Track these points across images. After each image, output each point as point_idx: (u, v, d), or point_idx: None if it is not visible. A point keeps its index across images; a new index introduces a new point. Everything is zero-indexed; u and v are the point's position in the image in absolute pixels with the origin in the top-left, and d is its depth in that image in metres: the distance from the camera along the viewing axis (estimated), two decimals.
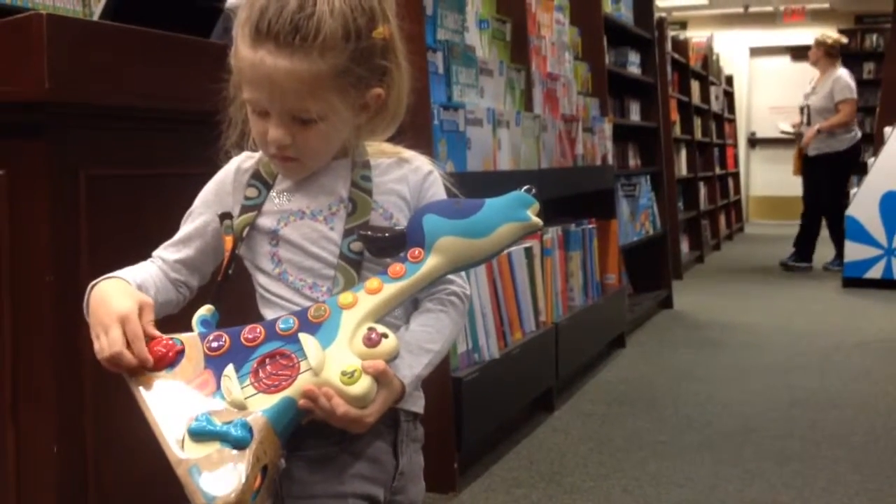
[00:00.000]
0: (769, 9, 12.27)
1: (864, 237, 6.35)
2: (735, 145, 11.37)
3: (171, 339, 1.09)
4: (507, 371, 2.82)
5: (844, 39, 7.55)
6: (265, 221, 1.18)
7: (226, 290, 1.16)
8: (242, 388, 1.05)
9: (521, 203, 1.17)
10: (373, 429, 1.10)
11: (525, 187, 1.19)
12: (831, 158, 7.08)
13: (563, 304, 3.56)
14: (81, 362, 1.46)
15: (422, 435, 1.25)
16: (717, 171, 9.47)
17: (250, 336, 1.08)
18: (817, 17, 12.38)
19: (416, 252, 1.13)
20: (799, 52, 12.82)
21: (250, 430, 1.01)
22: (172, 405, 1.05)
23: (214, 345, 1.08)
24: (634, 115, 5.83)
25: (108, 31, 1.53)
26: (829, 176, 7.16)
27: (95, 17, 1.67)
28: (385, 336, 1.08)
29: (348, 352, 1.07)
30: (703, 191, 8.51)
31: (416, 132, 2.41)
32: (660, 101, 6.09)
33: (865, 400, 3.44)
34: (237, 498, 0.98)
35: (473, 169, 2.71)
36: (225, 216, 1.19)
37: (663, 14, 8.23)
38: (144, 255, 1.19)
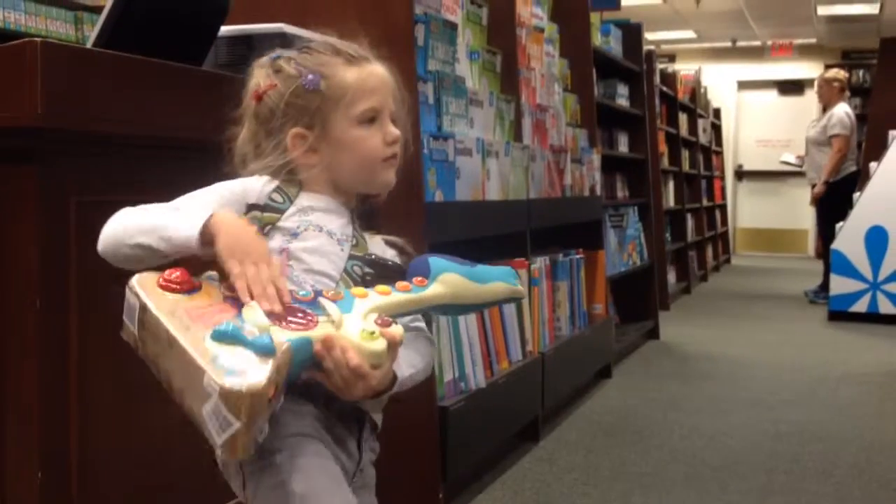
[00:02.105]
0: (757, 43, 12.39)
1: (850, 271, 6.38)
2: (722, 177, 11.44)
3: (186, 272, 1.13)
4: (494, 400, 2.82)
5: (844, 74, 7.62)
6: (287, 224, 1.26)
7: None
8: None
9: (511, 274, 1.32)
10: (342, 418, 1.21)
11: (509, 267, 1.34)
12: (827, 189, 7.13)
13: (549, 334, 3.56)
14: (67, 387, 1.46)
15: (377, 449, 1.32)
16: (705, 202, 9.53)
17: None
18: (804, 52, 12.51)
19: (422, 280, 1.24)
20: (786, 87, 12.97)
21: (275, 345, 1.04)
22: (189, 319, 1.06)
23: (230, 292, 1.12)
24: (623, 146, 5.87)
25: (101, 58, 1.54)
26: (822, 206, 7.22)
27: (89, 44, 1.68)
28: (395, 323, 1.15)
29: (363, 322, 1.13)
30: (690, 222, 8.54)
31: (406, 161, 2.43)
32: (648, 133, 6.14)
33: (850, 434, 3.45)
34: (262, 389, 0.99)
35: (462, 198, 2.72)
36: (254, 207, 1.25)
37: (652, 47, 8.30)
38: None
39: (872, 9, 9.84)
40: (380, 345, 1.11)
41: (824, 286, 6.97)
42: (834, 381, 4.42)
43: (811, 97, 12.16)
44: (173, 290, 1.09)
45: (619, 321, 5.18)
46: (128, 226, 1.18)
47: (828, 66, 10.32)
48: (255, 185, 1.29)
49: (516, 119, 3.37)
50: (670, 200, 7.86)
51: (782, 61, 12.65)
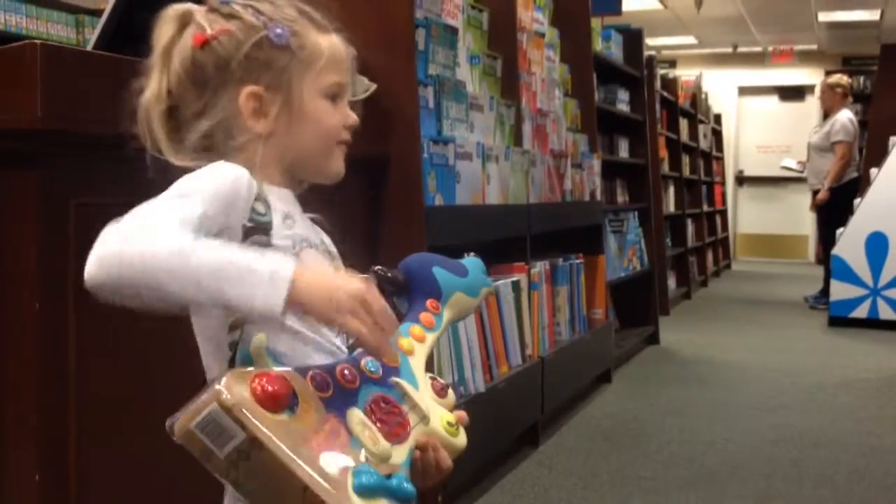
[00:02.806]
0: (758, 49, 12.40)
1: (850, 277, 6.38)
2: (723, 183, 11.44)
3: (277, 373, 0.92)
4: (493, 405, 2.82)
5: (847, 80, 7.61)
6: (280, 242, 1.07)
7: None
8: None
9: (485, 270, 1.26)
10: None
11: (471, 254, 1.26)
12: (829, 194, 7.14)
13: (549, 339, 3.56)
14: (65, 389, 1.46)
15: None
16: (705, 208, 9.52)
17: (348, 376, 0.99)
18: (805, 58, 12.51)
19: (434, 303, 1.16)
20: (786, 93, 12.98)
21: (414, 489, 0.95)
22: (315, 456, 0.88)
23: (320, 384, 0.95)
24: (623, 151, 5.87)
25: (101, 60, 1.54)
26: (823, 212, 7.22)
27: (89, 46, 1.69)
28: (449, 385, 1.12)
29: (434, 403, 1.07)
30: (690, 227, 8.54)
31: (406, 165, 2.43)
32: (648, 139, 6.14)
33: (849, 439, 3.45)
34: None
35: (462, 202, 2.72)
36: (255, 230, 1.05)
37: (653, 52, 8.31)
38: None
39: (873, 15, 9.85)
40: (462, 439, 1.07)
41: (824, 292, 6.97)
42: (834, 386, 4.41)
43: (812, 103, 12.20)
44: (277, 409, 0.88)
45: (619, 326, 5.18)
46: (165, 265, 0.91)
47: (828, 73, 10.34)
48: (244, 174, 1.05)
49: (516, 123, 3.37)
50: (671, 206, 7.86)
51: (783, 67, 12.66)
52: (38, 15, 4.76)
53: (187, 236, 0.93)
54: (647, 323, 5.56)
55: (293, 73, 1.11)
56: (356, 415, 0.96)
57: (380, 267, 1.16)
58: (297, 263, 0.96)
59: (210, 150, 1.11)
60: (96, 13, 4.86)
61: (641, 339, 5.36)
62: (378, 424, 0.97)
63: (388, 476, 0.93)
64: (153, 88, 1.11)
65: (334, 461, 0.89)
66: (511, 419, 3.06)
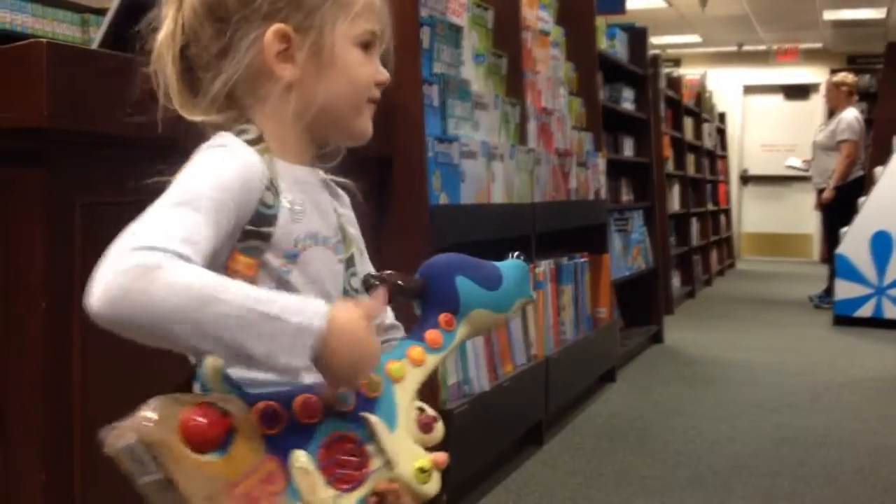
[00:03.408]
0: (762, 48, 12.38)
1: (855, 276, 6.37)
2: (727, 182, 11.43)
3: (213, 405, 0.83)
4: (498, 404, 2.82)
5: (852, 78, 7.58)
6: (282, 241, 0.96)
7: None
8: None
9: (526, 276, 1.11)
10: None
11: (517, 254, 1.13)
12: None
13: (554, 338, 3.56)
14: (70, 389, 1.46)
15: None
16: (710, 207, 9.52)
17: (308, 409, 0.89)
18: (810, 56, 12.49)
19: (449, 318, 1.03)
20: (792, 91, 12.96)
21: None
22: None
23: (268, 419, 0.86)
24: (628, 150, 5.87)
25: (107, 59, 1.54)
26: (827, 211, 7.21)
27: (95, 45, 1.69)
28: (436, 420, 1.01)
29: (410, 439, 0.97)
30: (695, 226, 8.54)
31: (410, 164, 2.43)
32: (653, 137, 6.14)
33: (854, 439, 3.44)
34: None
35: (467, 201, 2.72)
36: (252, 234, 0.94)
37: (657, 51, 8.30)
38: None
39: (879, 13, 9.83)
40: (434, 486, 0.96)
41: (829, 291, 6.96)
42: (839, 385, 4.41)
43: (817, 102, 12.18)
44: (203, 449, 0.81)
45: (624, 325, 5.18)
46: (164, 318, 0.81)
47: (833, 71, 10.32)
48: (255, 163, 0.95)
49: (521, 122, 3.37)
50: (675, 204, 7.85)
51: (788, 66, 12.64)
52: (43, 14, 4.76)
53: (198, 277, 0.82)
54: (652, 322, 5.56)
55: (326, 13, 0.99)
56: (299, 458, 0.87)
57: (391, 272, 1.02)
58: (326, 316, 0.85)
59: (231, 103, 1.00)
60: (101, 12, 4.86)
61: (646, 338, 5.35)
62: (329, 468, 0.89)
63: None
64: (167, 26, 1.00)
65: None
66: (515, 418, 3.06)
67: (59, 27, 4.82)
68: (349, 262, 1.04)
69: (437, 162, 2.55)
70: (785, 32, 11.46)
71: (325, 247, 1.00)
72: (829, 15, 10.08)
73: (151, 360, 1.60)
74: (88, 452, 1.50)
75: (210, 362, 0.87)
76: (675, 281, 7.47)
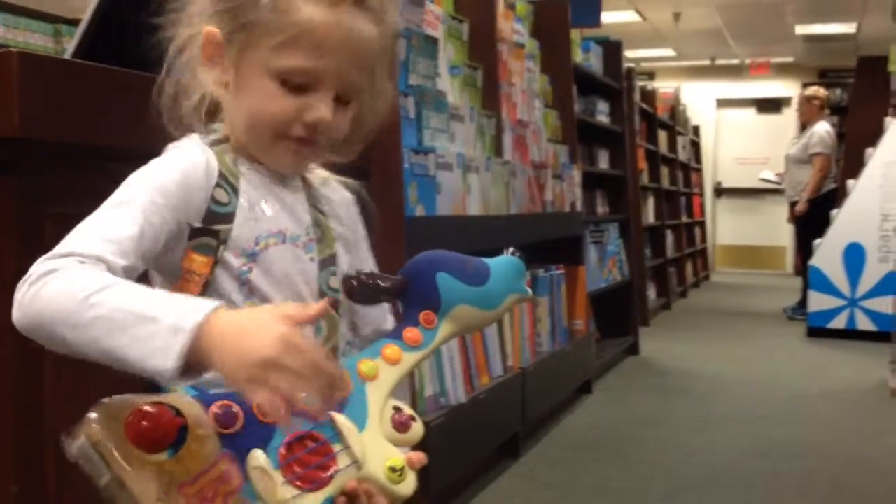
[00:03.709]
0: (735, 61, 12.48)
1: (828, 287, 6.42)
2: (702, 194, 11.51)
3: (164, 404, 0.81)
4: (474, 416, 2.81)
5: (824, 92, 7.66)
6: (241, 239, 0.95)
7: None
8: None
9: (520, 273, 1.09)
10: None
11: (511, 250, 1.12)
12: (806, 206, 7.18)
13: (530, 350, 3.56)
14: (42, 400, 1.44)
15: None
16: (684, 219, 9.57)
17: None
18: (782, 70, 12.61)
19: (430, 316, 1.01)
20: (764, 105, 13.08)
21: None
22: None
23: (223, 419, 0.84)
24: (603, 162, 5.89)
25: (80, 69, 1.53)
26: (801, 224, 7.26)
27: (67, 55, 1.67)
28: (413, 419, 0.97)
29: (382, 438, 0.93)
30: (669, 238, 8.58)
31: (387, 175, 2.43)
32: (628, 150, 6.17)
33: (829, 450, 3.46)
34: None
35: (443, 213, 2.72)
36: (203, 232, 0.93)
37: (632, 65, 8.35)
38: None
39: (849, 28, 9.95)
40: (409, 486, 0.93)
41: (803, 303, 7.01)
42: (813, 397, 4.43)
43: (789, 115, 12.29)
44: (151, 449, 0.79)
45: (600, 337, 5.19)
46: (54, 320, 0.82)
47: (805, 85, 10.43)
48: (200, 161, 0.94)
49: (497, 134, 3.37)
50: (650, 217, 7.89)
51: (761, 79, 12.75)
52: (15, 24, 4.73)
53: (83, 280, 0.82)
54: (628, 333, 5.57)
55: (251, 34, 0.94)
56: (256, 457, 0.85)
57: (364, 272, 1.01)
58: (214, 312, 0.81)
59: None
60: (74, 23, 4.83)
61: (622, 349, 5.37)
62: (289, 467, 0.86)
63: None
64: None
65: None
66: (492, 430, 3.05)
67: (32, 37, 4.79)
68: (327, 262, 1.02)
69: (413, 173, 2.54)
70: (757, 46, 11.57)
71: (293, 245, 0.98)
72: (801, 29, 10.19)
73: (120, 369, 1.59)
74: (61, 463, 1.48)
75: None
76: (651, 293, 7.50)
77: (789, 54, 11.99)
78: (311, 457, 0.88)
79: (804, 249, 7.17)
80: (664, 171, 8.66)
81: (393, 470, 0.92)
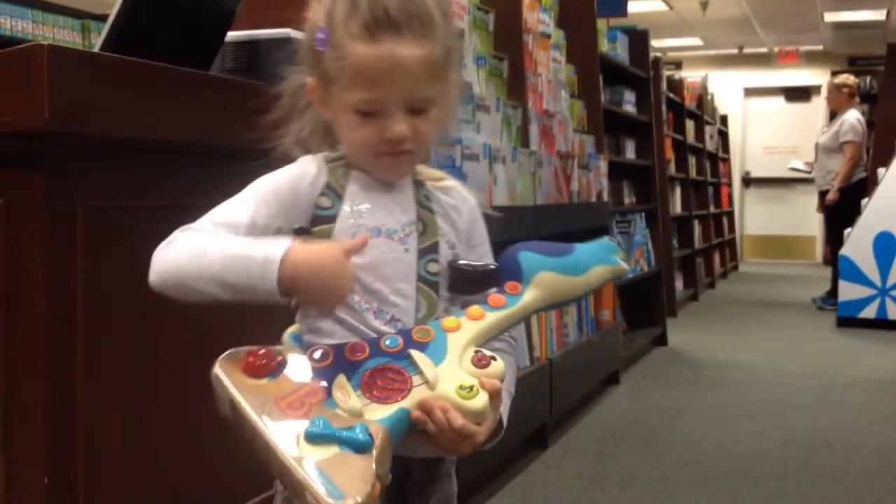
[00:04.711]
0: (763, 50, 12.38)
1: (859, 277, 6.36)
2: (729, 184, 11.43)
3: (271, 349, 1.04)
4: None
5: (854, 80, 7.56)
6: (341, 235, 1.12)
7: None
8: (357, 397, 1.01)
9: (609, 249, 1.20)
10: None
11: (606, 237, 1.22)
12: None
13: (557, 340, 3.55)
14: (73, 391, 1.46)
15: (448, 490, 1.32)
16: (712, 209, 9.51)
17: (356, 351, 1.05)
18: (811, 58, 12.49)
19: (515, 286, 1.13)
20: (793, 93, 12.96)
21: (371, 435, 0.97)
22: (280, 412, 0.98)
23: (318, 356, 1.04)
24: (630, 153, 5.86)
25: (108, 62, 1.54)
26: (830, 213, 7.20)
27: (96, 49, 1.68)
28: (494, 359, 1.07)
29: (459, 371, 1.05)
30: (697, 229, 8.53)
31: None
32: (655, 140, 6.13)
33: (860, 440, 3.43)
34: (367, 501, 0.93)
35: None
36: (302, 231, 1.12)
37: (659, 54, 8.30)
38: (141, 287, 1.12)
39: (879, 15, 9.84)
40: (480, 402, 1.03)
41: (832, 293, 6.95)
42: (843, 387, 4.40)
43: (818, 104, 12.18)
44: (258, 375, 1.01)
45: (627, 328, 5.17)
46: (188, 268, 1.06)
47: (834, 73, 10.31)
48: (308, 173, 1.15)
49: (523, 125, 3.36)
50: (677, 207, 7.85)
51: (789, 68, 12.64)
52: (44, 20, 4.77)
53: (198, 239, 1.08)
54: (655, 324, 5.55)
55: (328, 80, 1.12)
56: (339, 379, 1.02)
57: (470, 261, 1.16)
58: (295, 252, 1.04)
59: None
60: (102, 18, 4.87)
61: (649, 340, 5.35)
62: (368, 387, 1.02)
63: (351, 427, 0.97)
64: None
65: (303, 414, 0.99)
66: (519, 421, 3.04)
67: (60, 33, 4.83)
68: (426, 250, 1.15)
69: (439, 164, 2.54)
70: (786, 34, 11.47)
71: (388, 238, 1.13)
72: (830, 17, 10.09)
73: (157, 362, 1.60)
74: (91, 454, 1.49)
75: (288, 331, 1.10)
76: (678, 283, 7.47)
77: (818, 42, 11.87)
78: (388, 381, 1.03)
79: (833, 239, 7.11)
80: (691, 160, 8.61)
81: (462, 388, 1.03)
